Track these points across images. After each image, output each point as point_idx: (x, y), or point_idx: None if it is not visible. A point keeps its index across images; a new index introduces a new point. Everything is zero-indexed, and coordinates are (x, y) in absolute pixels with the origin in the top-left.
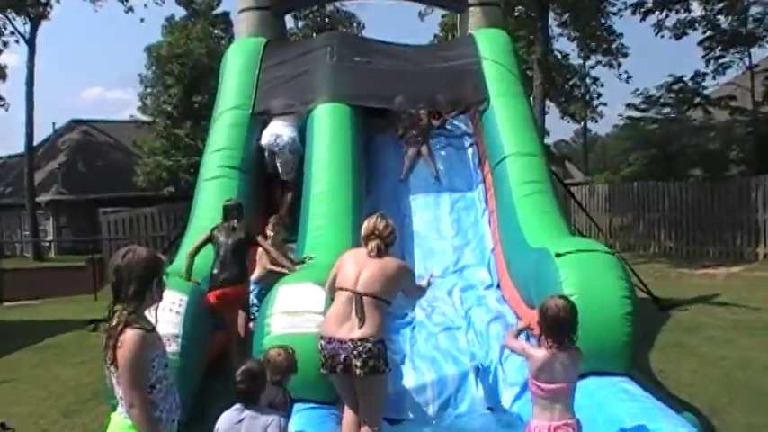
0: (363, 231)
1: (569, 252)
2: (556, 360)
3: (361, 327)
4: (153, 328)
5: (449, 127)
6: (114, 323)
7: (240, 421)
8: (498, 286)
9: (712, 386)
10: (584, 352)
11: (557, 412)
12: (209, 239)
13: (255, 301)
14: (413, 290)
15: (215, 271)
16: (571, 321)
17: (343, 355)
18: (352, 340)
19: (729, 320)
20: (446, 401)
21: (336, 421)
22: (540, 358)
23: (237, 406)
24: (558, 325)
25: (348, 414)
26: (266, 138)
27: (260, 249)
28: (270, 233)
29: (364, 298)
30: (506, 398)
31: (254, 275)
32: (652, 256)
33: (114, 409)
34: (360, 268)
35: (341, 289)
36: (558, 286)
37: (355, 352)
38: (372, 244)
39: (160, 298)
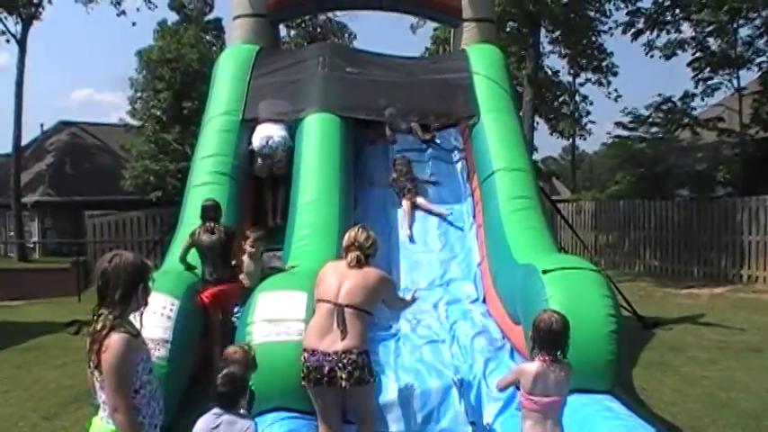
0: (344, 242)
1: (556, 269)
2: (550, 372)
3: (343, 339)
4: (138, 333)
5: (438, 141)
6: (99, 327)
7: (217, 426)
8: (484, 301)
9: (694, 406)
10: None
11: (548, 426)
12: (193, 244)
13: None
14: (395, 302)
15: (207, 272)
16: (564, 334)
17: (327, 368)
18: (335, 352)
19: (713, 341)
20: (429, 415)
21: None
22: (534, 371)
23: (216, 410)
24: (552, 338)
25: (323, 428)
26: (257, 140)
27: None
28: (250, 249)
29: (346, 309)
30: (489, 412)
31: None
32: (637, 274)
33: (96, 412)
34: (341, 280)
35: (321, 301)
36: (544, 303)
37: (340, 364)
38: (352, 255)
39: (145, 303)
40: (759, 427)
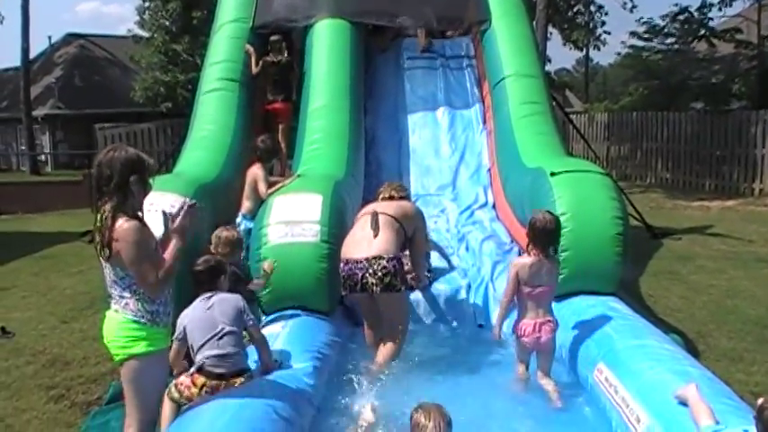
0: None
1: (564, 172)
2: (543, 266)
3: (376, 244)
4: (145, 223)
5: (448, 48)
6: (103, 218)
7: (210, 306)
8: (493, 206)
9: (700, 312)
10: (575, 270)
11: (541, 312)
12: None
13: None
14: (421, 245)
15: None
16: (556, 233)
17: (359, 274)
18: (366, 259)
19: (721, 251)
20: (438, 317)
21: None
22: (529, 263)
23: (203, 296)
24: (545, 235)
25: (368, 333)
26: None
27: (247, 185)
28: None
29: (380, 216)
30: (497, 314)
31: (243, 209)
32: (648, 186)
33: (109, 307)
34: (377, 204)
35: (359, 218)
36: (552, 205)
37: (371, 270)
38: (386, 194)
39: (142, 199)
40: (763, 333)
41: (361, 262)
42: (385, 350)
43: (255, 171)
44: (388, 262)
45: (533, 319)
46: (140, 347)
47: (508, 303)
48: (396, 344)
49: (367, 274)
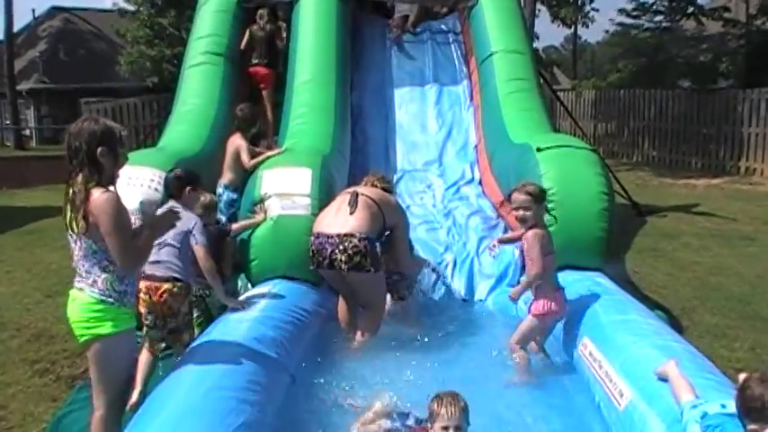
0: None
1: (550, 147)
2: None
3: (351, 221)
4: (119, 196)
5: (435, 24)
6: (75, 191)
7: (177, 212)
8: (480, 182)
9: (685, 289)
10: (561, 245)
11: (552, 282)
12: None
13: (224, 209)
14: (402, 245)
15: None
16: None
17: (329, 250)
18: (338, 235)
19: (706, 229)
20: (423, 290)
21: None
22: (542, 232)
23: (170, 205)
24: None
25: (341, 302)
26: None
27: (229, 155)
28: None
29: (360, 196)
30: (481, 289)
31: (225, 179)
32: (635, 164)
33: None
34: (359, 188)
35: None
36: (537, 180)
37: (341, 247)
38: (369, 182)
39: (115, 171)
40: (746, 309)
41: (332, 237)
42: (363, 326)
43: (237, 141)
44: (360, 241)
45: (554, 291)
46: (106, 328)
47: (539, 275)
48: (373, 320)
49: (336, 251)
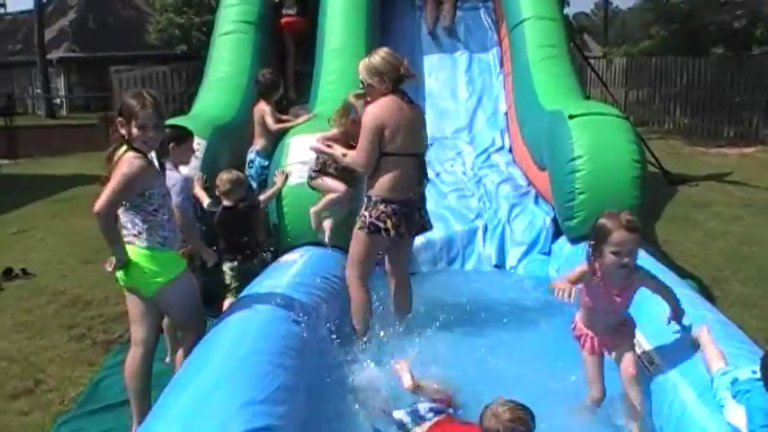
0: (393, 72)
1: (582, 114)
2: None
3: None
4: (151, 162)
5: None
6: (111, 150)
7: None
8: (510, 149)
9: (716, 258)
10: (592, 213)
11: None
12: None
13: (254, 175)
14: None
15: None
16: None
17: (416, 215)
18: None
19: (738, 198)
20: (454, 258)
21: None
22: None
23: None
24: None
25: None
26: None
27: (257, 122)
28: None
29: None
30: (512, 256)
31: (257, 145)
32: (666, 132)
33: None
34: (409, 125)
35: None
36: (569, 148)
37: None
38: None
39: (141, 137)
40: None
41: (414, 202)
42: (404, 299)
43: (261, 107)
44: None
45: None
46: (166, 275)
47: None
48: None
49: (417, 215)
